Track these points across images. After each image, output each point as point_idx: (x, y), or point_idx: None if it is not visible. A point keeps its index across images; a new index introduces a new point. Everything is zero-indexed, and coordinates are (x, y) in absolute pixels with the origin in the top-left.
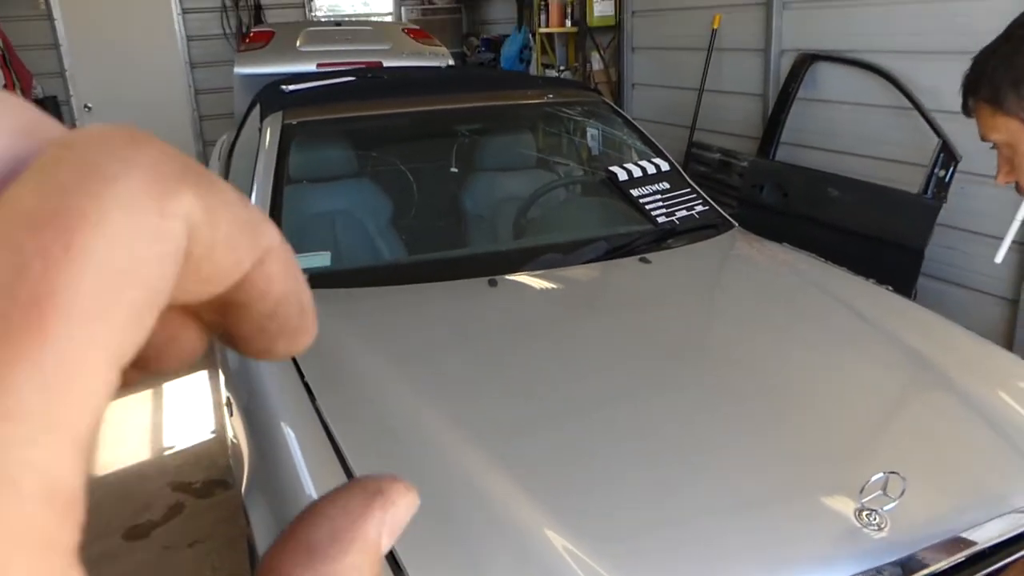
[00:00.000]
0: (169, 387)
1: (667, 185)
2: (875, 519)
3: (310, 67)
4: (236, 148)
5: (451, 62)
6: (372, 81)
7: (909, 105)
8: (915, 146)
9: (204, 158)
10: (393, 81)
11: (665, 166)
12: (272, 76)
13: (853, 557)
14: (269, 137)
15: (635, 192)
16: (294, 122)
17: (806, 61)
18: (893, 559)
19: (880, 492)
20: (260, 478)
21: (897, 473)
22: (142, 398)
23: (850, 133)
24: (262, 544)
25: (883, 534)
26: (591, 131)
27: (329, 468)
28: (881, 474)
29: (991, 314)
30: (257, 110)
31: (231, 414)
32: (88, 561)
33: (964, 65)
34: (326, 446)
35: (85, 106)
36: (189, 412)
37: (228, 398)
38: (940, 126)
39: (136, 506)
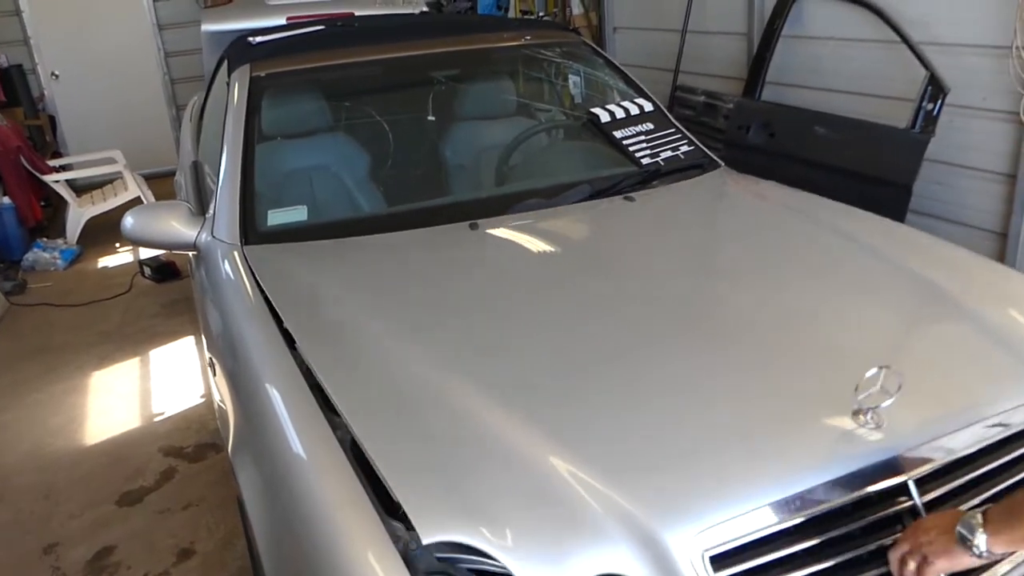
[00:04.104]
0: (156, 354)
1: (651, 126)
2: (872, 418)
3: (279, 21)
4: (206, 108)
5: (425, 9)
6: (343, 29)
7: (896, 38)
8: (903, 80)
9: (177, 122)
10: (365, 29)
11: (648, 106)
12: (241, 32)
13: (851, 456)
14: (237, 91)
15: (618, 134)
16: (263, 74)
17: None
18: (890, 456)
19: (877, 389)
20: (246, 438)
21: (890, 368)
22: (129, 366)
23: (837, 70)
24: (251, 503)
25: (881, 433)
26: (571, 73)
27: (314, 424)
28: (875, 369)
29: (981, 248)
30: (225, 66)
31: (215, 375)
32: (81, 529)
33: None
34: (311, 403)
35: (52, 74)
36: (177, 378)
37: (211, 359)
38: (928, 58)
39: (128, 472)
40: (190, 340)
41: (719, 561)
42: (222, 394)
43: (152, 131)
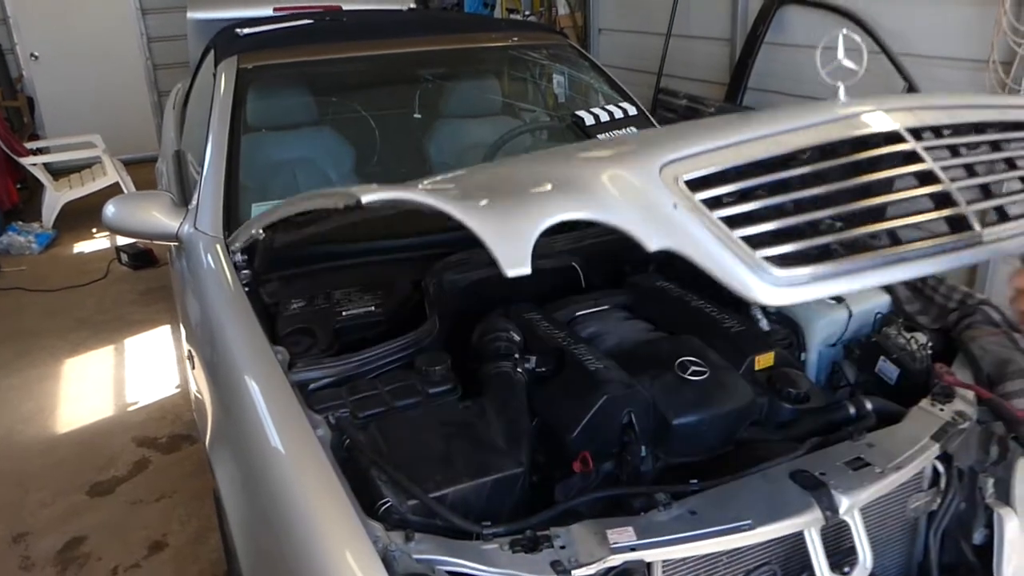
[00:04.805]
0: (131, 342)
1: (634, 129)
2: (845, 91)
3: (266, 11)
4: (191, 97)
5: (413, 5)
6: (331, 24)
7: (876, 49)
8: (882, 90)
9: (159, 108)
10: (352, 24)
11: (632, 110)
12: (227, 21)
13: (832, 116)
14: (224, 83)
15: (602, 137)
16: (250, 67)
17: (774, 4)
18: (873, 110)
19: (840, 59)
20: (224, 431)
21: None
22: (104, 353)
23: (817, 77)
24: (228, 497)
25: (861, 101)
26: (556, 74)
27: (295, 420)
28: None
29: None
30: (211, 56)
31: (193, 367)
32: (52, 518)
33: (932, 8)
34: (291, 398)
35: (32, 55)
36: (152, 367)
37: (190, 351)
38: (907, 69)
39: (100, 462)
40: (166, 329)
41: (697, 187)
42: (200, 386)
43: (132, 116)
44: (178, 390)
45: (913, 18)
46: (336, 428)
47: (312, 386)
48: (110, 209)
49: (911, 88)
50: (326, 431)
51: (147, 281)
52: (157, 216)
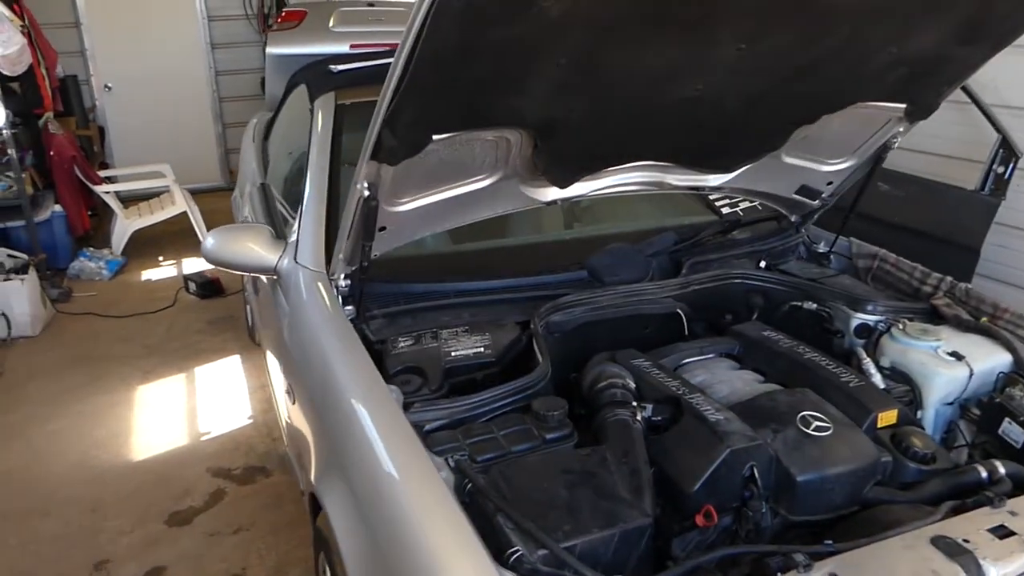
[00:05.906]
0: (201, 371)
1: None
2: None
3: (343, 48)
4: (274, 129)
5: None
6: None
7: (966, 99)
8: (971, 142)
9: (223, 140)
10: None
11: None
12: (305, 57)
13: None
14: (322, 119)
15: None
16: (347, 103)
17: None
18: None
19: None
20: (339, 468)
21: None
22: (174, 382)
23: None
24: (344, 533)
25: None
26: None
27: (417, 460)
28: None
29: None
30: (302, 91)
31: (293, 401)
32: (131, 547)
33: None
34: (412, 437)
35: (105, 86)
36: (223, 397)
37: (290, 385)
38: (999, 121)
39: (176, 491)
40: (236, 359)
41: None
42: (300, 420)
43: (197, 147)
44: (250, 421)
45: (1004, 69)
46: (457, 471)
47: (427, 427)
48: (209, 241)
49: (1005, 140)
50: (449, 474)
51: (215, 310)
52: (255, 249)
